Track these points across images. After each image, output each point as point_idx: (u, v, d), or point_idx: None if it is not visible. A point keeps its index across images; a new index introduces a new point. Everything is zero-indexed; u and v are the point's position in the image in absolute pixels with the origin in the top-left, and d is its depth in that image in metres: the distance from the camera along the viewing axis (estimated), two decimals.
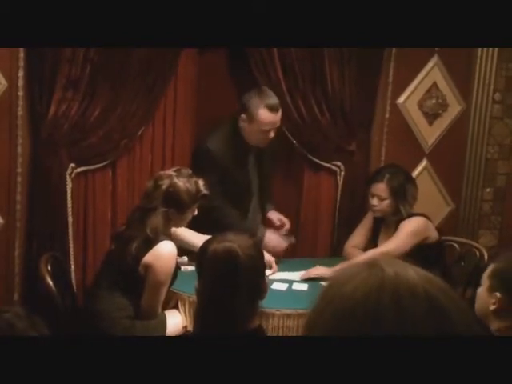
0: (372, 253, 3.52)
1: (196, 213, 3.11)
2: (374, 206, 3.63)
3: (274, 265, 3.48)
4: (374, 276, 0.94)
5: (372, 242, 3.79)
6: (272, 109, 3.55)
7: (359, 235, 3.85)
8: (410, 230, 3.57)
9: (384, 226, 3.76)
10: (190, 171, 3.12)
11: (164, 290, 3.02)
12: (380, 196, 3.59)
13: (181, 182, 2.99)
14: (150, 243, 2.95)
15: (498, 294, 2.18)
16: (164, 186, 2.97)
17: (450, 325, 0.90)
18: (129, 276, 2.98)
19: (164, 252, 2.96)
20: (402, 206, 3.59)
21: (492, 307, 2.18)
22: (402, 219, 3.61)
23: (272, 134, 3.61)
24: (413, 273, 0.94)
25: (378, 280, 0.93)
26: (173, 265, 3.02)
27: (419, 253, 3.48)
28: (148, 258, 2.94)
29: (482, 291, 2.26)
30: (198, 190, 3.04)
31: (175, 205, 2.99)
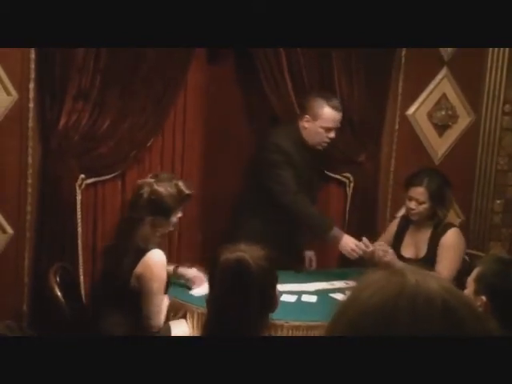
0: None
1: (181, 215, 3.11)
2: (412, 209, 3.61)
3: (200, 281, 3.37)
4: (394, 283, 0.93)
5: (394, 247, 3.74)
6: (335, 108, 3.71)
7: (382, 240, 3.82)
8: (457, 248, 3.58)
9: (412, 230, 3.72)
10: (170, 174, 3.15)
11: (159, 299, 3.01)
12: (418, 199, 3.57)
13: (162, 188, 3.00)
14: (141, 254, 2.95)
15: (483, 298, 2.20)
16: (146, 195, 2.98)
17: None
18: (123, 290, 2.97)
19: (154, 261, 2.97)
20: (440, 210, 3.59)
21: None
22: (437, 230, 3.61)
23: (333, 135, 3.72)
24: (434, 283, 0.93)
25: (398, 286, 0.92)
26: (164, 272, 3.02)
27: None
28: (139, 268, 2.94)
29: (467, 294, 2.28)
30: (180, 192, 3.05)
31: (161, 211, 3.00)
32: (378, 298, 0.92)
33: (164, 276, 3.02)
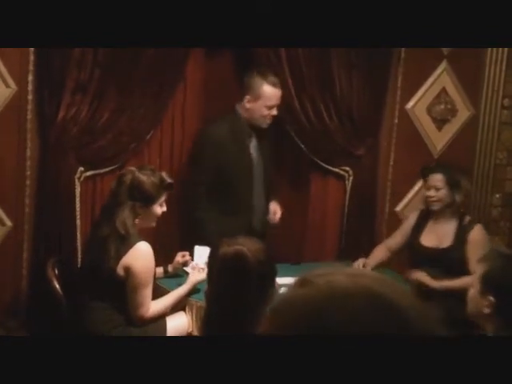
0: (469, 279, 2.96)
1: (165, 209, 3.12)
2: (431, 197, 3.69)
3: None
4: (307, 295, 0.88)
5: (413, 238, 3.78)
6: (274, 84, 3.68)
7: (397, 236, 3.88)
8: (485, 245, 3.60)
9: (433, 222, 3.77)
10: (153, 167, 3.19)
11: (147, 292, 3.01)
12: (436, 186, 3.67)
13: (144, 176, 3.03)
14: (123, 241, 2.96)
15: (491, 298, 2.18)
16: (128, 182, 3.00)
17: (403, 321, 0.83)
18: (109, 282, 2.98)
19: (142, 253, 2.98)
20: (458, 195, 3.67)
21: (486, 310, 2.19)
22: (462, 224, 3.69)
23: (275, 112, 3.69)
24: (342, 277, 0.89)
25: (311, 296, 0.87)
26: (152, 264, 3.04)
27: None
28: (127, 259, 2.95)
29: (473, 294, 2.26)
30: (162, 180, 3.06)
31: (140, 197, 3.01)
32: (291, 317, 0.86)
33: (152, 268, 3.04)
